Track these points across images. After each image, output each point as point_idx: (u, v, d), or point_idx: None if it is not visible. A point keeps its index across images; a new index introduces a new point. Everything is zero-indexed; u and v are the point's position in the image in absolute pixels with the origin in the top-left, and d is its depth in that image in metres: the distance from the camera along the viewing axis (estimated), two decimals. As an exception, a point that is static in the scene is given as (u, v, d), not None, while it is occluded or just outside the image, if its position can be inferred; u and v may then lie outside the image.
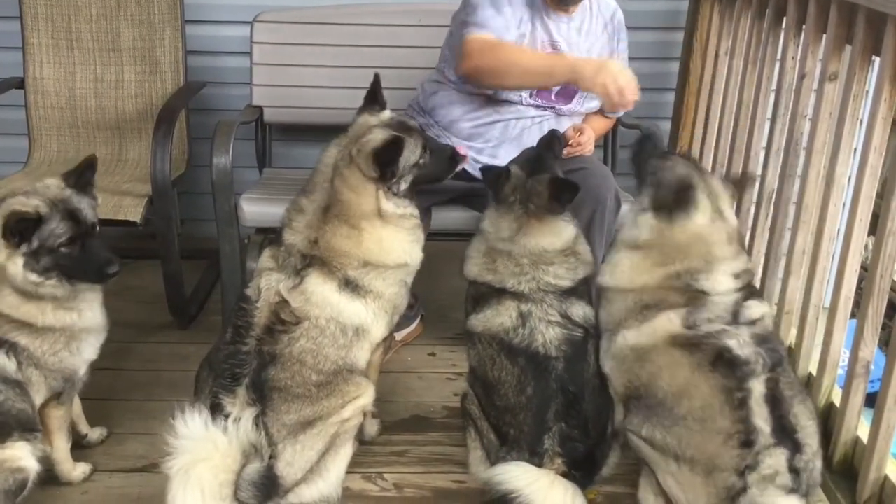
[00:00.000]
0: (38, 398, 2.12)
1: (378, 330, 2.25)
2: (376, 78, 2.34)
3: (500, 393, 2.22)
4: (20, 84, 3.31)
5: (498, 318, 2.24)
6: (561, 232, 2.28)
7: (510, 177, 2.29)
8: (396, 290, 2.28)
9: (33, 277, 2.04)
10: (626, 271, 2.17)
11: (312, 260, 2.18)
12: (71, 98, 3.33)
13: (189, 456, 1.89)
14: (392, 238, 2.24)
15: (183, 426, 1.91)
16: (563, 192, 2.24)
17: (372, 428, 2.52)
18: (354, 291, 2.19)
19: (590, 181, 2.55)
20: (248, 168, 3.35)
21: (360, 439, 2.37)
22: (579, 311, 2.26)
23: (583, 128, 2.77)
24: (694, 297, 2.07)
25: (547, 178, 2.26)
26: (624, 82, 2.41)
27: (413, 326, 3.08)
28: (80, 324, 2.14)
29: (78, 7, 3.28)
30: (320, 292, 2.16)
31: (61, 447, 2.26)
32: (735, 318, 2.06)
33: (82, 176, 2.14)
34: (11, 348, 2.05)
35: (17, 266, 2.03)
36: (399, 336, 2.98)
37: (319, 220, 2.20)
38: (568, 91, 2.70)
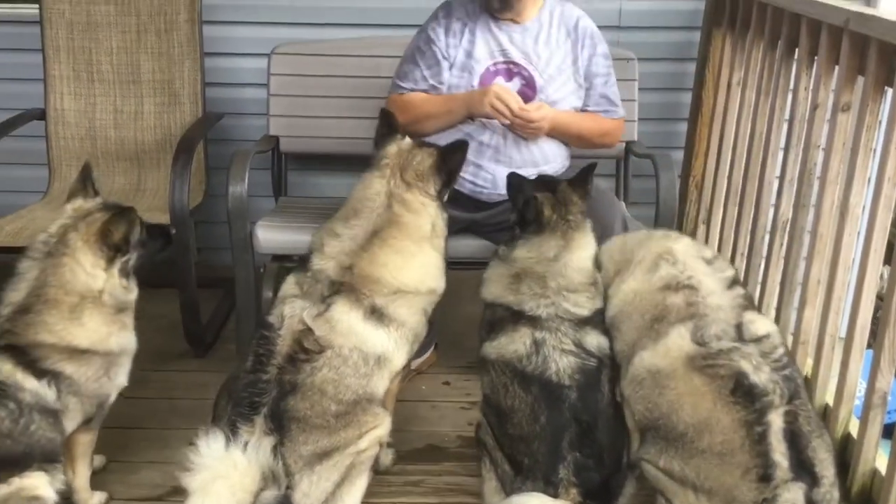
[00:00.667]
0: (72, 425, 2.14)
1: (399, 359, 2.26)
2: (384, 111, 2.48)
3: (513, 421, 2.21)
4: (41, 115, 3.36)
5: (512, 344, 2.25)
6: (592, 241, 2.39)
7: (542, 202, 2.33)
8: (419, 319, 2.31)
9: (125, 283, 2.17)
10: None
11: (341, 287, 2.19)
12: (91, 129, 3.38)
13: (208, 473, 1.88)
14: (434, 262, 2.33)
15: (204, 445, 1.91)
16: (585, 182, 2.40)
17: (386, 458, 2.52)
18: (379, 320, 2.21)
19: (597, 208, 2.56)
20: (264, 197, 3.39)
21: (375, 469, 2.35)
22: (593, 340, 2.26)
23: (540, 105, 2.67)
24: (690, 299, 2.11)
25: (567, 184, 2.38)
26: (505, 98, 2.56)
27: (427, 355, 3.08)
28: (130, 346, 2.22)
29: (99, 40, 3.34)
30: (346, 320, 2.16)
31: (83, 474, 2.27)
32: (739, 332, 2.07)
33: (92, 183, 2.28)
34: (54, 377, 2.06)
35: (114, 279, 2.13)
36: (414, 364, 2.98)
37: (360, 247, 2.23)
38: (525, 98, 2.69)
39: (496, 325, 2.31)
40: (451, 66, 2.75)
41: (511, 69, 2.74)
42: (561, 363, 2.20)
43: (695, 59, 3.48)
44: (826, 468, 1.94)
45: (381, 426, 2.20)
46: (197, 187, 3.26)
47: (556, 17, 2.78)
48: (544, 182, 2.45)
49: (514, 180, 2.48)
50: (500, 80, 2.72)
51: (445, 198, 2.39)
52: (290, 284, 2.27)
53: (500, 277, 2.37)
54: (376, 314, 2.20)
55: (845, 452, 2.34)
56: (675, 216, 2.95)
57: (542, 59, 2.74)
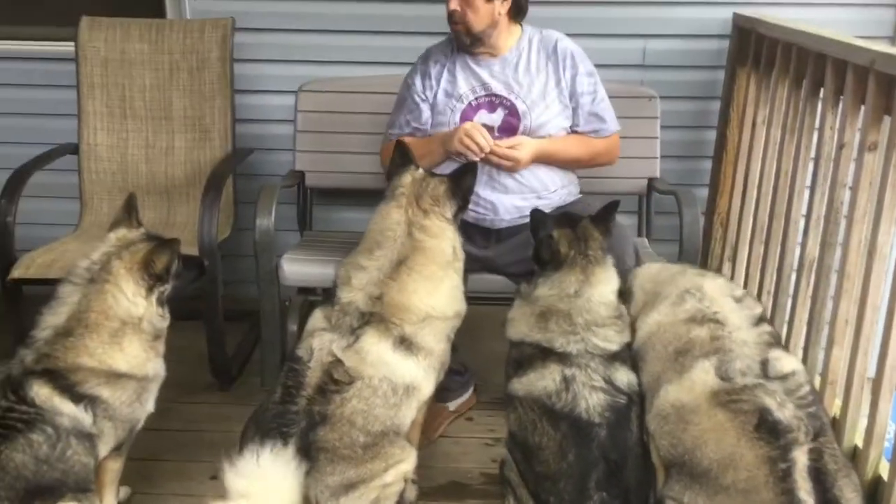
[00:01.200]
0: (105, 450, 2.17)
1: (427, 387, 2.30)
2: (398, 142, 2.59)
3: (540, 459, 2.20)
4: (74, 150, 3.43)
5: (541, 381, 2.24)
6: (614, 276, 2.39)
7: (558, 239, 2.34)
8: (445, 347, 2.36)
9: (160, 311, 2.24)
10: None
11: (370, 318, 2.23)
12: (123, 163, 3.44)
13: (257, 481, 1.91)
14: (458, 286, 2.43)
15: (254, 457, 1.93)
16: (607, 219, 2.43)
17: (411, 492, 2.51)
18: (408, 349, 2.25)
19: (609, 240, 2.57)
20: (290, 231, 3.42)
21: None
22: (623, 377, 2.25)
23: (520, 141, 2.70)
24: (715, 332, 2.11)
25: (588, 221, 2.40)
26: (473, 135, 2.60)
27: (467, 396, 3.05)
28: (161, 373, 2.28)
29: (132, 77, 3.41)
30: (375, 351, 2.19)
31: (111, 502, 2.28)
32: (764, 369, 2.07)
33: (136, 214, 2.37)
34: (90, 402, 2.10)
35: (153, 307, 2.21)
36: (453, 406, 2.98)
37: (387, 276, 2.29)
38: (510, 127, 2.75)
39: (524, 363, 2.31)
40: (431, 108, 2.83)
41: (493, 101, 2.78)
42: (591, 400, 2.19)
43: (719, 98, 3.49)
44: None
45: (406, 461, 2.21)
46: (225, 221, 3.30)
47: (534, 44, 2.81)
48: (566, 218, 2.47)
49: (536, 216, 2.50)
50: (482, 114, 2.76)
51: (459, 222, 2.48)
52: (317, 318, 2.30)
53: (526, 316, 2.37)
54: (405, 344, 2.24)
55: (875, 495, 2.30)
56: (699, 253, 2.94)
57: (523, 86, 2.77)
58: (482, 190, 2.74)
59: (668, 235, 3.18)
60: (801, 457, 1.93)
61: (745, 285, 3.17)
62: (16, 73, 3.67)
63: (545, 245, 2.36)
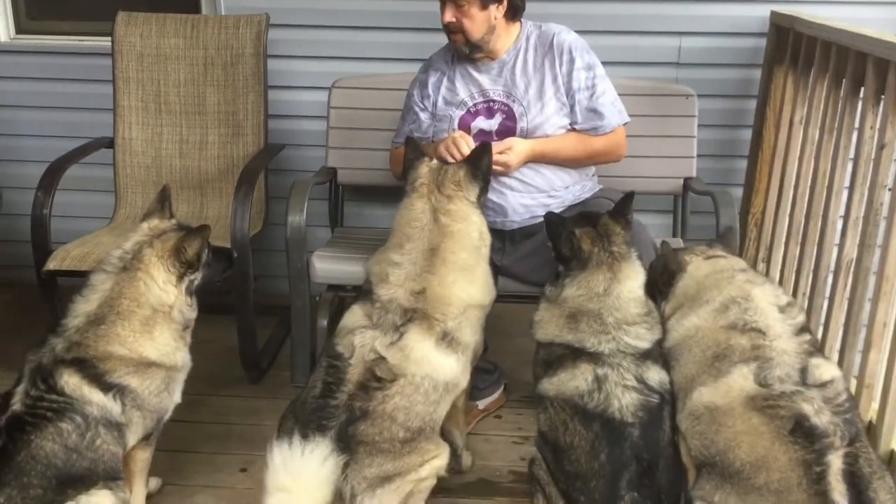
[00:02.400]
0: (133, 439, 2.20)
1: (465, 381, 2.35)
2: (409, 139, 2.62)
3: (571, 458, 2.18)
4: (110, 143, 3.47)
5: (573, 381, 2.22)
6: (640, 270, 2.37)
7: (581, 236, 2.32)
8: (479, 338, 2.40)
9: (189, 301, 2.27)
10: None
11: (413, 314, 2.24)
12: (157, 158, 3.47)
13: (289, 476, 1.92)
14: (489, 271, 2.45)
15: (286, 450, 1.94)
16: (624, 212, 2.42)
17: (468, 459, 2.66)
18: (450, 346, 2.27)
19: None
20: (321, 227, 3.44)
21: (458, 470, 2.59)
22: (655, 375, 2.23)
23: (510, 145, 2.66)
24: (756, 341, 2.09)
25: (607, 216, 2.38)
26: (457, 143, 2.58)
27: (497, 395, 3.03)
28: (188, 363, 2.31)
29: (167, 72, 3.45)
30: (419, 349, 2.20)
31: (141, 492, 2.31)
32: (804, 376, 2.04)
33: (169, 205, 2.42)
34: (119, 391, 2.13)
35: (182, 296, 2.25)
36: (482, 405, 2.97)
37: (423, 269, 2.30)
38: (507, 131, 2.73)
39: (553, 363, 2.29)
40: (432, 116, 2.84)
41: (491, 107, 2.75)
42: (624, 400, 2.17)
43: (755, 97, 3.45)
44: None
45: (441, 456, 2.23)
46: (256, 216, 3.32)
47: (531, 41, 2.77)
48: (584, 217, 2.43)
49: (552, 219, 2.45)
50: (480, 120, 2.75)
51: (483, 205, 2.51)
52: (357, 315, 2.31)
53: (554, 318, 2.35)
54: (447, 339, 2.26)
55: (913, 501, 2.26)
56: (736, 253, 2.89)
57: (520, 88, 2.74)
58: (489, 191, 2.70)
59: (703, 235, 3.14)
60: (835, 461, 1.92)
61: (781, 286, 3.12)
62: (53, 67, 3.71)
63: (566, 242, 2.33)
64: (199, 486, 2.59)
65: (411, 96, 2.90)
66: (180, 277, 2.25)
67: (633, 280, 2.33)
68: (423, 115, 2.85)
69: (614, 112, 2.79)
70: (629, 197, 2.45)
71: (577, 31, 3.21)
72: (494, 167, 2.60)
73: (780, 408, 2.00)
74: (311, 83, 3.56)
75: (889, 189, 2.43)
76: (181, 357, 2.27)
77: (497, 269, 2.73)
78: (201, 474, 2.63)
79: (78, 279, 2.92)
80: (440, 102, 2.82)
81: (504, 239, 2.77)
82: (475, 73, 2.79)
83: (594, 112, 2.76)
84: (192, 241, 2.25)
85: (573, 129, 2.77)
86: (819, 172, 2.83)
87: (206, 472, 2.64)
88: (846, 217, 2.63)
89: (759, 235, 3.40)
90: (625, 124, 2.82)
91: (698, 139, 3.27)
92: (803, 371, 2.06)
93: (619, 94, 2.96)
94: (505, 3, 2.67)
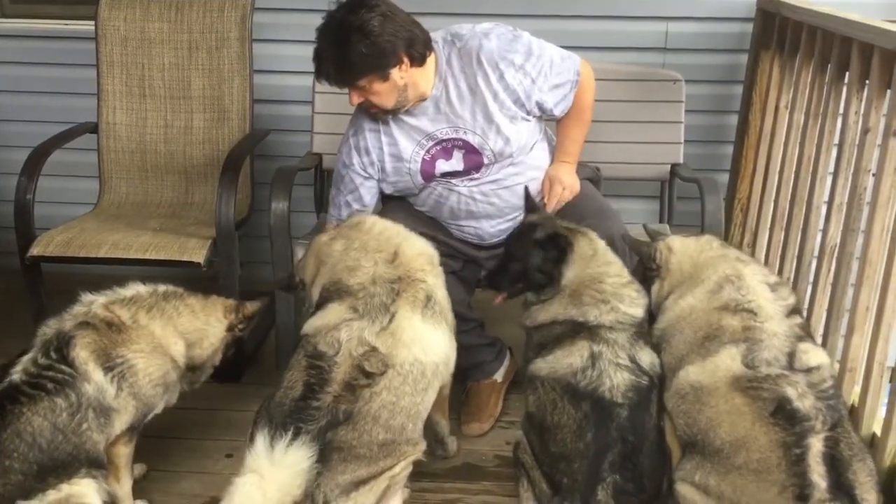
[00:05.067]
0: (119, 428, 2.19)
1: (453, 358, 2.31)
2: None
3: (556, 438, 2.20)
4: (94, 129, 3.44)
5: (568, 358, 2.24)
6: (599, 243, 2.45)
7: (568, 241, 2.35)
8: (450, 305, 2.37)
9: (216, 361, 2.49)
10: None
11: (400, 283, 2.22)
12: (141, 143, 3.45)
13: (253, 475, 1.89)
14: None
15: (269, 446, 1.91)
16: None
17: (453, 444, 2.67)
18: (434, 315, 2.24)
19: (598, 223, 2.55)
20: (307, 213, 3.42)
21: (444, 455, 2.63)
22: (647, 357, 2.26)
23: (551, 180, 2.67)
24: (746, 322, 2.12)
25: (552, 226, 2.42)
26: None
27: (507, 362, 2.97)
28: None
29: (152, 56, 3.41)
30: (410, 327, 2.16)
31: (127, 484, 2.30)
32: (791, 361, 2.07)
33: None
34: (119, 374, 2.14)
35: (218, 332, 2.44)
36: (500, 378, 2.93)
37: (387, 239, 2.32)
38: (476, 164, 2.61)
39: (550, 343, 2.31)
40: (382, 177, 2.67)
41: (446, 147, 2.60)
42: (616, 379, 2.19)
43: (741, 82, 3.45)
44: (867, 491, 1.94)
45: (415, 454, 2.19)
46: (243, 202, 3.30)
47: (454, 66, 2.55)
48: (539, 241, 2.39)
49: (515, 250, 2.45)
50: (441, 164, 2.61)
51: None
52: (338, 311, 2.19)
53: (553, 304, 2.35)
54: (431, 305, 2.23)
55: (893, 482, 2.28)
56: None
57: (465, 118, 2.56)
58: (464, 222, 2.70)
59: (689, 221, 3.15)
60: (816, 444, 1.95)
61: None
62: (36, 51, 3.68)
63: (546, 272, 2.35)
64: (185, 471, 2.59)
65: (349, 166, 2.66)
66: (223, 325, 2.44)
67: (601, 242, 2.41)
68: (369, 184, 2.67)
69: (567, 67, 2.61)
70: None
71: (563, 17, 3.22)
72: (556, 203, 2.64)
73: (764, 390, 2.03)
74: (297, 68, 3.52)
75: (873, 174, 2.44)
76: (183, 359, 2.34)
77: (466, 262, 2.74)
78: (187, 460, 2.63)
79: (62, 265, 2.94)
80: (388, 161, 2.63)
81: (482, 248, 2.76)
82: (411, 121, 2.59)
83: (555, 88, 2.60)
84: (252, 310, 2.52)
85: (559, 120, 2.70)
86: (804, 157, 2.83)
87: (192, 458, 2.65)
88: (830, 202, 2.63)
89: (744, 221, 3.41)
90: (582, 62, 2.66)
91: (685, 125, 3.27)
92: (791, 355, 2.09)
93: (607, 80, 2.96)
94: (406, 60, 2.44)
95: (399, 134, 2.61)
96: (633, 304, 2.31)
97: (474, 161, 2.61)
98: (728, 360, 2.09)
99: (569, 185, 2.67)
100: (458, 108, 2.56)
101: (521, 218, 2.65)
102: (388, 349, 2.12)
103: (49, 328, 2.18)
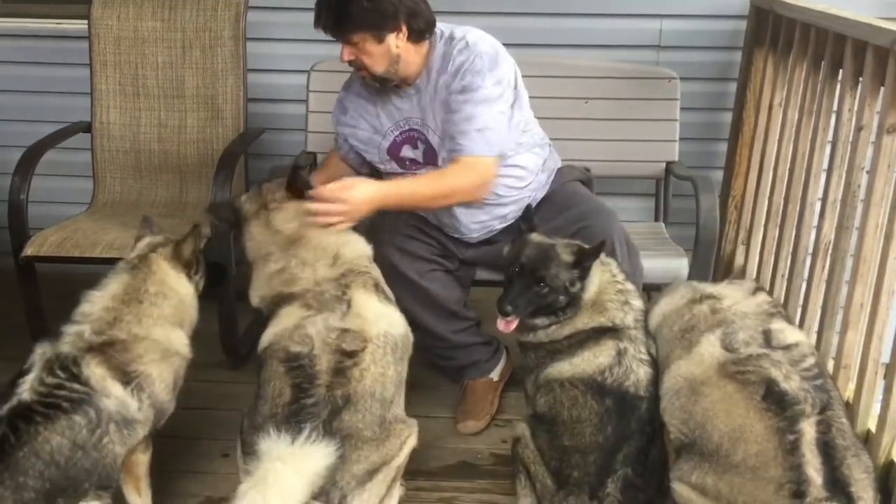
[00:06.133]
0: (138, 438, 2.13)
1: (411, 336, 2.33)
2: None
3: (574, 432, 2.21)
4: (87, 128, 3.43)
5: (597, 358, 2.26)
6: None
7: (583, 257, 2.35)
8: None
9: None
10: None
11: (347, 278, 2.24)
12: (135, 142, 3.44)
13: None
14: None
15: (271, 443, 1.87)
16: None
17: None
18: (386, 297, 2.30)
19: (595, 223, 2.57)
20: (302, 212, 3.41)
21: None
22: (654, 349, 2.34)
23: (351, 185, 2.41)
24: (714, 306, 2.26)
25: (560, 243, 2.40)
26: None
27: (504, 360, 2.98)
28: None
29: (145, 55, 3.41)
30: (371, 305, 2.20)
31: (147, 496, 2.26)
32: (768, 339, 2.14)
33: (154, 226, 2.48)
34: (137, 386, 2.09)
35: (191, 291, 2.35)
36: (496, 376, 2.94)
37: (314, 245, 2.33)
38: (432, 161, 2.65)
39: (570, 348, 2.31)
40: (351, 136, 2.75)
41: (413, 136, 2.65)
42: (639, 373, 2.25)
43: (735, 80, 3.46)
44: (863, 490, 1.93)
45: (413, 435, 2.19)
46: (237, 201, 3.30)
47: (440, 62, 2.55)
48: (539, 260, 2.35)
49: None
50: (406, 150, 2.67)
51: None
52: (294, 313, 2.19)
53: (575, 318, 2.35)
54: (380, 289, 2.30)
55: (889, 479, 2.29)
56: (716, 239, 2.92)
57: (436, 119, 2.58)
58: (440, 214, 2.69)
59: (684, 219, 3.16)
60: (808, 429, 1.95)
61: (760, 269, 3.16)
62: (29, 50, 3.67)
63: (572, 281, 2.31)
64: (179, 471, 2.58)
65: (338, 119, 2.78)
66: (189, 278, 2.33)
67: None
68: (345, 137, 2.79)
69: (478, 139, 2.46)
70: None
71: (557, 15, 3.21)
72: (332, 211, 2.31)
73: (750, 373, 2.06)
74: (291, 66, 3.53)
75: (866, 171, 2.44)
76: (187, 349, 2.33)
77: (462, 263, 2.77)
78: (182, 459, 2.63)
79: (56, 266, 2.93)
80: (367, 129, 2.70)
81: (463, 247, 2.77)
82: (397, 101, 2.63)
83: (453, 139, 2.49)
84: (186, 242, 2.30)
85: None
86: (798, 155, 2.84)
87: (186, 458, 2.64)
88: (824, 199, 2.64)
89: (738, 218, 3.42)
90: (494, 159, 2.51)
91: (679, 122, 3.28)
92: (766, 333, 2.16)
93: (601, 78, 2.96)
94: (404, 29, 2.44)
95: (382, 110, 2.67)
96: (637, 297, 2.39)
97: (432, 158, 2.66)
98: (710, 347, 2.16)
99: (349, 214, 2.33)
100: (429, 108, 2.60)
101: (498, 211, 2.68)
102: (359, 327, 2.13)
103: (47, 349, 2.09)
